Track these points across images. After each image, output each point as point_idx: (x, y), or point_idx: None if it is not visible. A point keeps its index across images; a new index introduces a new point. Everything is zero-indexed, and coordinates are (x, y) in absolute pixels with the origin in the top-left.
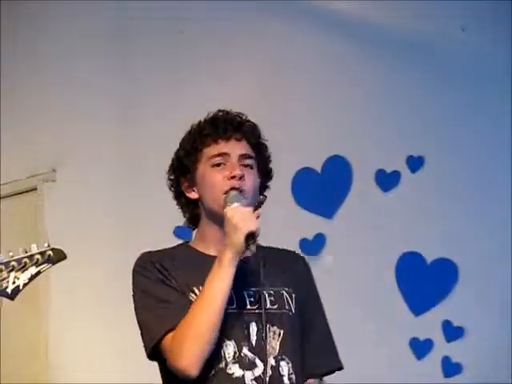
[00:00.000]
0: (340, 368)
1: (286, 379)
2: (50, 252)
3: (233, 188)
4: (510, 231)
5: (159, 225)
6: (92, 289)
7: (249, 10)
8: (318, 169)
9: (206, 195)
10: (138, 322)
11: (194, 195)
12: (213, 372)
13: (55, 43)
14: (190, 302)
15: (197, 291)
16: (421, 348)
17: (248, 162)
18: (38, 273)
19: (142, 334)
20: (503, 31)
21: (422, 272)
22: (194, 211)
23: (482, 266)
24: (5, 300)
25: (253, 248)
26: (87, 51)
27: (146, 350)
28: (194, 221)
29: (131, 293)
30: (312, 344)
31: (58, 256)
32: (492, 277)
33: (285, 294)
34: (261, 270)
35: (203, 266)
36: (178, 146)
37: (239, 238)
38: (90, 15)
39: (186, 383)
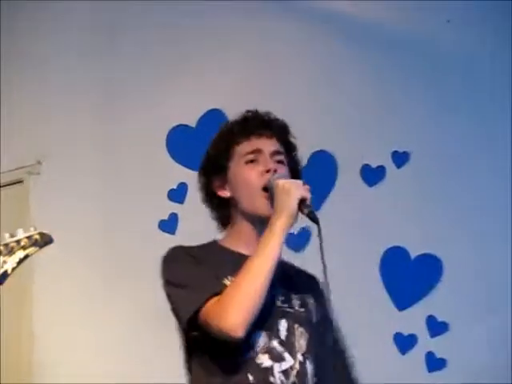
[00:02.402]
0: None
1: (309, 377)
2: (37, 236)
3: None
4: (493, 226)
5: (144, 218)
6: (77, 282)
7: (238, 4)
8: (303, 163)
9: (240, 193)
10: (173, 300)
11: (226, 194)
12: (240, 359)
13: (37, 38)
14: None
15: (226, 282)
16: (405, 343)
17: (280, 158)
18: (26, 256)
19: (177, 308)
20: (491, 26)
21: (407, 267)
22: (225, 210)
23: (466, 261)
24: None
25: (306, 211)
26: (70, 45)
27: (183, 318)
28: (224, 220)
29: (163, 279)
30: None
31: (44, 239)
32: (476, 272)
33: (310, 302)
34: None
35: (231, 262)
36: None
37: (292, 202)
38: (68, 11)
39: (227, 357)
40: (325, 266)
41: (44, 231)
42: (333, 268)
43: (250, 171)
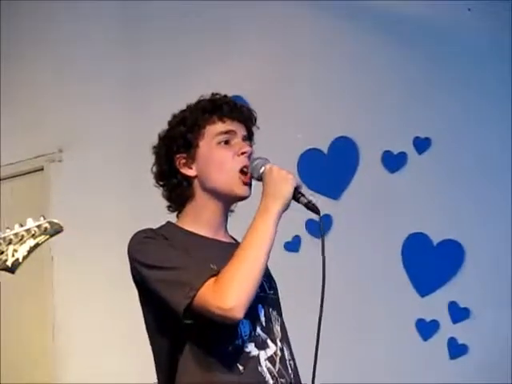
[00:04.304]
0: None
1: (288, 362)
2: (47, 224)
3: (245, 166)
4: None
5: (165, 207)
6: (98, 269)
7: None
8: (325, 150)
9: (210, 172)
10: (162, 283)
11: (191, 172)
12: (230, 348)
13: (64, 25)
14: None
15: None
16: (427, 329)
17: (248, 143)
18: (37, 245)
19: (169, 294)
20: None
21: (429, 253)
22: (186, 190)
23: (488, 246)
24: (9, 285)
25: (303, 200)
26: (95, 34)
27: (179, 306)
28: (183, 200)
29: (140, 262)
30: None
31: (54, 228)
32: (498, 258)
33: (273, 283)
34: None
35: (201, 248)
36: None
37: (290, 190)
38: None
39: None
40: (324, 259)
41: (54, 220)
42: (355, 254)
43: (224, 151)
